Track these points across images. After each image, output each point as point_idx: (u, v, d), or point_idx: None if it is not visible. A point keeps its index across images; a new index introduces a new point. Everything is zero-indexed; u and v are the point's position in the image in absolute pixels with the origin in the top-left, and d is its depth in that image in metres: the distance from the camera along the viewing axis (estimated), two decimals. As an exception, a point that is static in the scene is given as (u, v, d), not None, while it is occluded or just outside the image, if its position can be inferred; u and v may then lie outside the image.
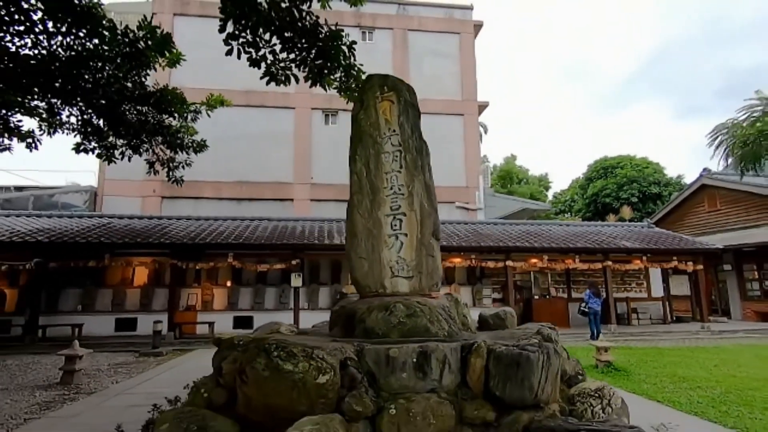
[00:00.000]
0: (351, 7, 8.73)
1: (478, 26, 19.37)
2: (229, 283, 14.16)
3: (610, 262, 14.71)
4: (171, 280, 12.65)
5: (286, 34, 6.89)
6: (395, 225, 3.75)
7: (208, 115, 11.01)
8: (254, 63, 7.19)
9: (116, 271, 13.61)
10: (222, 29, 6.70)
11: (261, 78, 7.37)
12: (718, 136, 13.80)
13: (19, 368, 8.47)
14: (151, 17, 8.61)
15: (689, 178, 32.19)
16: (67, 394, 6.51)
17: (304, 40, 6.88)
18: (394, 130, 3.89)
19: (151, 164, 10.61)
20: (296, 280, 12.70)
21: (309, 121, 17.94)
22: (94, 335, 12.28)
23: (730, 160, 13.81)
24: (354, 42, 6.75)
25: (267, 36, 7.02)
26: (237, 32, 6.78)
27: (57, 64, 8.10)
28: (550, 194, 42.27)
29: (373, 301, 3.43)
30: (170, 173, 10.81)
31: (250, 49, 7.07)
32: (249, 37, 6.98)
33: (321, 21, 6.87)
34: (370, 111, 3.93)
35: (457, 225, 16.16)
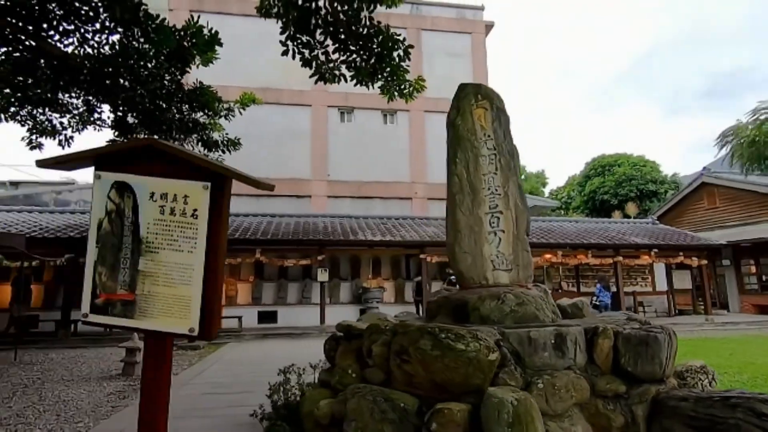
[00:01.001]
0: (388, 7, 9.05)
1: (489, 26, 19.76)
2: (252, 278, 14.39)
3: (621, 258, 15.31)
4: (199, 276, 12.84)
5: (341, 37, 7.17)
6: (493, 222, 4.10)
7: (241, 113, 11.23)
8: (306, 63, 7.46)
9: (140, 267, 13.73)
10: (283, 31, 6.98)
11: (310, 77, 7.65)
12: (725, 139, 14.44)
13: (69, 362, 8.66)
14: (199, 18, 8.77)
15: (684, 176, 33.24)
16: (133, 384, 6.75)
17: (360, 44, 7.16)
18: (489, 135, 4.24)
19: (185, 161, 10.80)
20: (322, 275, 12.99)
21: (325, 118, 18.17)
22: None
23: (734, 160, 14.46)
24: (411, 46, 7.05)
25: (321, 38, 7.30)
26: (295, 34, 7.07)
27: (102, 62, 8.26)
28: (546, 191, 43.06)
29: (481, 292, 3.78)
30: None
31: (304, 50, 7.36)
32: (305, 38, 7.26)
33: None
34: (466, 117, 4.26)
35: (472, 221, 16.56)
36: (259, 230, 13.37)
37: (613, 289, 15.38)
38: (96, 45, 8.41)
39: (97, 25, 8.17)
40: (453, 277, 14.53)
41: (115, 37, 8.22)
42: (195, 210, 1.63)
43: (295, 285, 14.64)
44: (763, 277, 18.67)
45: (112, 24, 7.94)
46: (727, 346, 10.87)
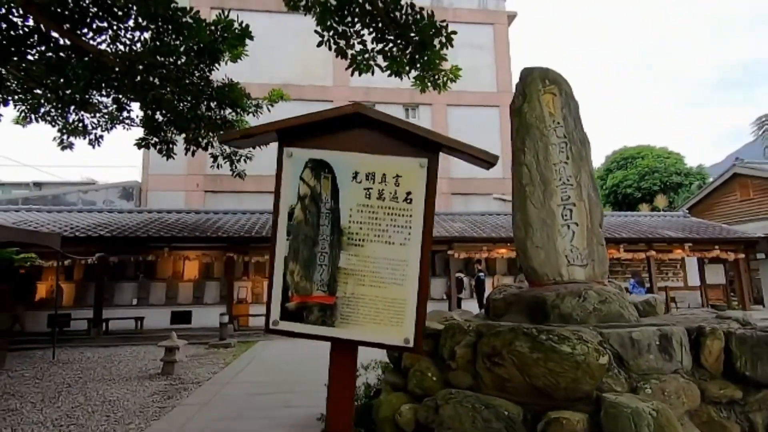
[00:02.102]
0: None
1: (511, 17, 19.32)
2: (277, 276, 14.31)
3: (653, 252, 14.85)
4: (227, 273, 12.82)
5: (379, 26, 6.95)
6: (566, 215, 3.86)
7: (269, 110, 11.10)
8: (341, 53, 7.26)
9: (167, 265, 13.76)
10: (321, 22, 6.80)
11: (346, 69, 7.46)
12: (764, 126, 13.87)
13: (105, 361, 8.64)
14: (229, 12, 8.61)
15: (708, 167, 32.31)
16: (174, 384, 6.67)
17: (397, 32, 6.93)
18: (559, 123, 3.99)
19: (215, 158, 10.74)
20: (350, 272, 12.84)
21: (346, 114, 17.96)
22: (152, 328, 12.46)
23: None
24: (454, 32, 6.79)
25: (358, 27, 7.10)
26: (334, 24, 6.89)
27: (134, 59, 8.19)
28: (565, 185, 42.17)
29: (559, 289, 3.55)
30: (233, 167, 10.95)
31: (340, 40, 7.16)
32: (341, 28, 7.07)
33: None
34: (534, 104, 4.02)
35: (498, 216, 16.27)
36: (285, 227, 13.28)
37: (646, 285, 14.93)
38: (128, 42, 8.34)
39: (130, 22, 8.10)
40: (481, 273, 14.26)
41: (147, 35, 8.15)
42: (408, 193, 1.32)
43: (320, 282, 14.52)
44: (801, 271, 17.97)
45: (145, 21, 7.84)
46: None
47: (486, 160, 1.37)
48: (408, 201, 1.37)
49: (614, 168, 33.66)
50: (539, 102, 4.00)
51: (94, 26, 7.91)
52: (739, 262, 15.67)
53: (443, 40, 6.79)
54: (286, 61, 17.49)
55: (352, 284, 1.41)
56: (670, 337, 2.74)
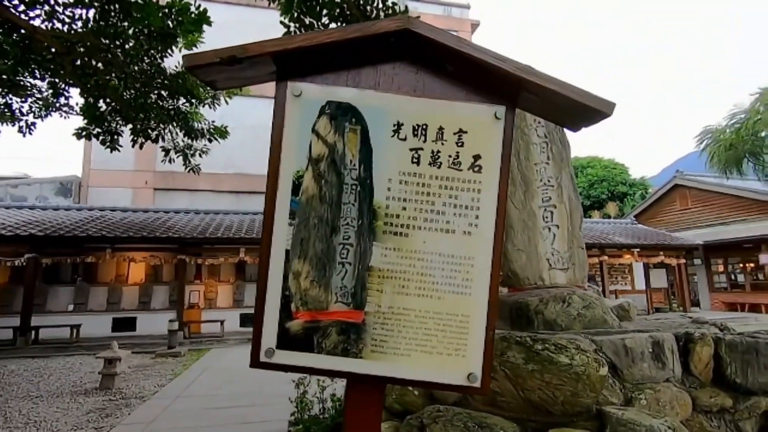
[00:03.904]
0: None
1: (475, 25, 19.63)
2: (233, 280, 13.56)
3: (606, 257, 15.48)
4: (178, 277, 11.95)
5: (348, 19, 6.68)
6: (547, 217, 3.74)
7: (227, 102, 10.48)
8: None
9: (110, 268, 12.64)
10: (286, 10, 6.43)
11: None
12: (704, 140, 14.83)
13: (33, 374, 7.69)
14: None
15: (650, 177, 34.58)
16: (114, 399, 5.99)
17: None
18: (540, 122, 3.87)
19: (166, 151, 9.96)
20: (311, 276, 12.36)
21: (309, 112, 17.47)
22: (91, 336, 11.38)
23: (712, 163, 14.87)
24: (427, 32, 6.62)
25: (326, 20, 6.79)
26: (300, 16, 6.55)
27: (75, 40, 7.45)
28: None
29: (542, 294, 3.41)
30: (187, 161, 10.21)
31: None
32: (308, 20, 6.74)
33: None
34: (515, 101, 3.88)
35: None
36: (243, 228, 12.59)
37: (600, 288, 15.55)
38: (68, 20, 7.54)
39: (70, -2, 7.31)
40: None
41: (90, 13, 7.40)
42: (476, 158, 0.92)
43: (279, 286, 13.92)
44: (732, 276, 19.44)
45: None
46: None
47: (599, 110, 0.91)
48: (476, 169, 0.95)
49: (566, 176, 35.18)
50: (521, 100, 3.87)
51: (27, -1, 7.07)
52: (680, 267, 16.67)
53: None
54: (246, 55, 16.77)
55: (390, 293, 0.96)
56: (662, 344, 2.64)
